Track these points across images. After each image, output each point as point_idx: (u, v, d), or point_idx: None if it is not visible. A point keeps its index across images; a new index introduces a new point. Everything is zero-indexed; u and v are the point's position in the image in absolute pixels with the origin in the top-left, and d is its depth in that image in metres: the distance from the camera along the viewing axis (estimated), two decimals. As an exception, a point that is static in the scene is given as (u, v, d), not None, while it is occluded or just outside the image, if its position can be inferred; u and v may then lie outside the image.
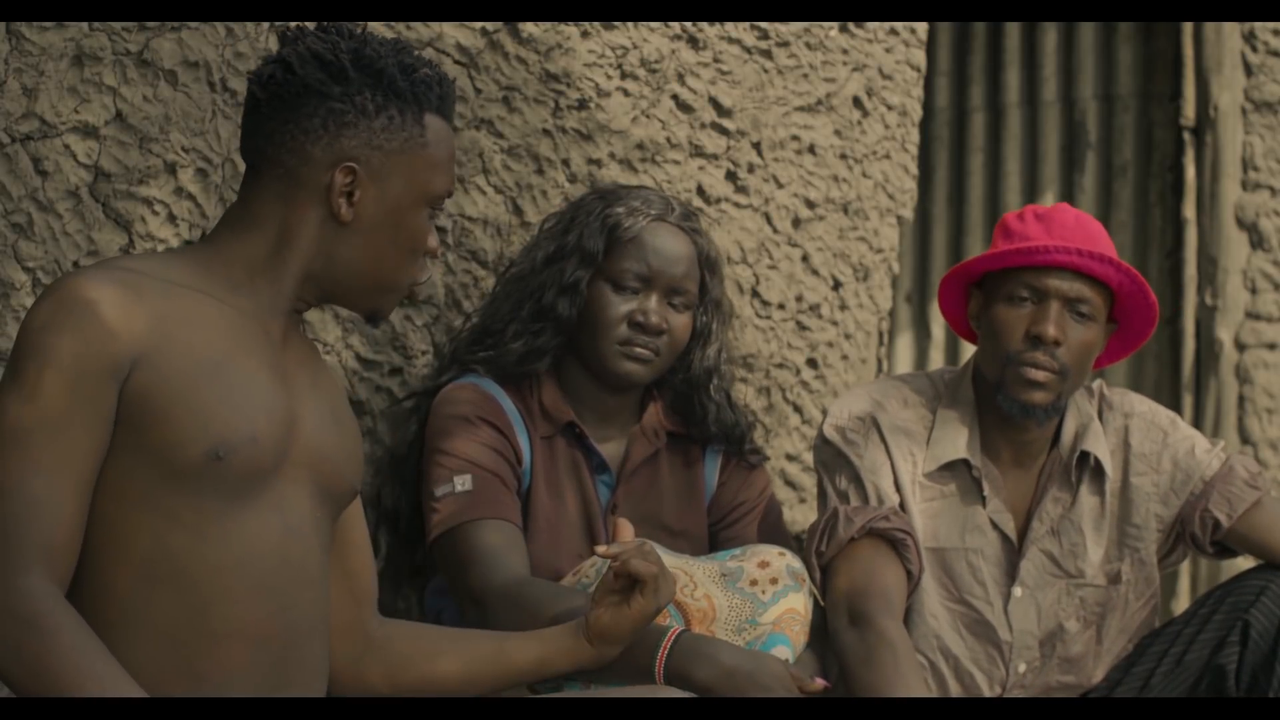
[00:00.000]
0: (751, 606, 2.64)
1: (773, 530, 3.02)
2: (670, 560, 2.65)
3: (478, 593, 2.66)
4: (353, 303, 2.23)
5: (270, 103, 2.15)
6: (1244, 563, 4.29)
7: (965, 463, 2.89)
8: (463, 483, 2.75)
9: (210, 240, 2.20)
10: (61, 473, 2.00)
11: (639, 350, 2.85)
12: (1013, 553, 2.90)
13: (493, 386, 2.87)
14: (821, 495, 2.93)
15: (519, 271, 2.95)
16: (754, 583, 2.67)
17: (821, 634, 2.78)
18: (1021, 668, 2.91)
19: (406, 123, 2.16)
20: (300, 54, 2.14)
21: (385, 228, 2.17)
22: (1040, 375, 2.79)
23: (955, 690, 2.91)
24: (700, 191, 3.53)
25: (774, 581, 2.68)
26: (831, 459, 2.91)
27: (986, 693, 2.92)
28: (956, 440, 2.88)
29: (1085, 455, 2.90)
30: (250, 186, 2.18)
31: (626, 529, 2.37)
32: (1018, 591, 2.89)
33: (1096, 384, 3.01)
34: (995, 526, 2.88)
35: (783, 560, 2.72)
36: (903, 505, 2.87)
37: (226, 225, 2.19)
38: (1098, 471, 2.91)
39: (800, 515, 3.68)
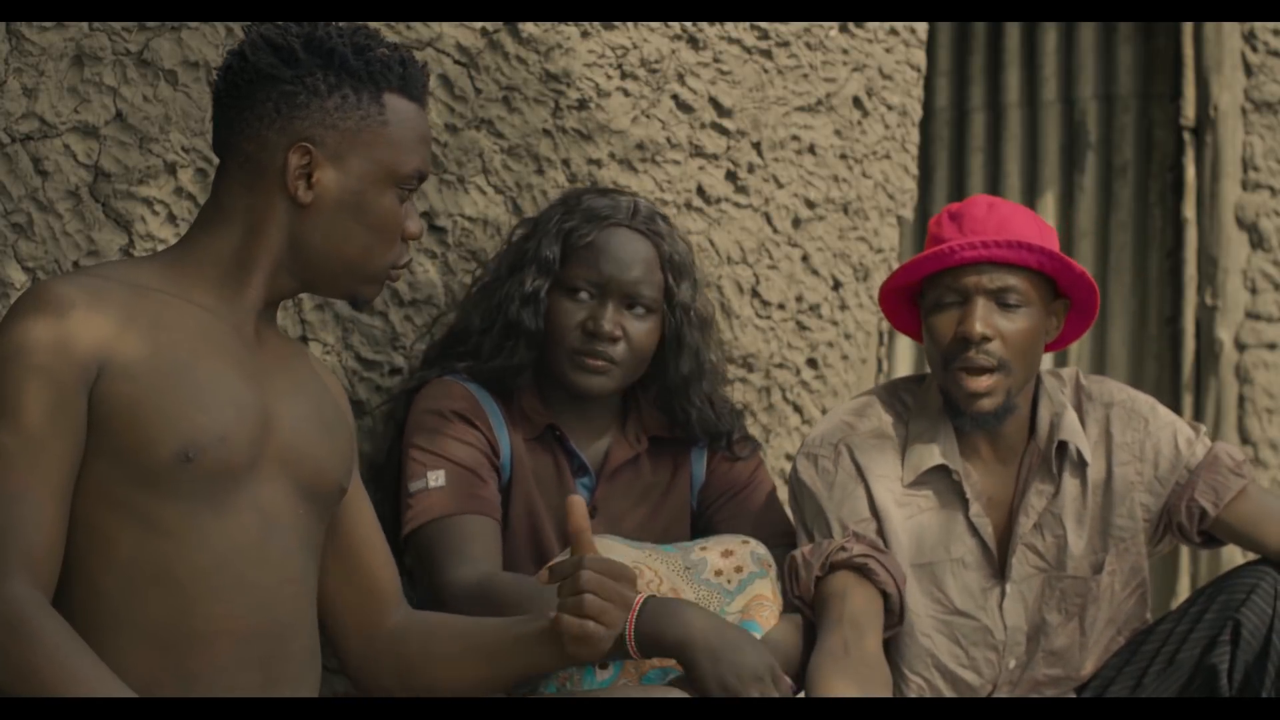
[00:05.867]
0: (719, 598, 2.63)
1: (768, 509, 2.99)
2: (632, 553, 2.64)
3: (441, 586, 2.64)
4: (328, 289, 2.23)
5: (229, 92, 2.18)
6: (1243, 559, 4.29)
7: (944, 468, 2.87)
8: (436, 478, 2.74)
9: (184, 240, 2.23)
10: (38, 481, 2.02)
11: (591, 362, 2.82)
12: (992, 555, 2.89)
13: (472, 384, 2.87)
14: (796, 533, 2.93)
15: (487, 279, 2.94)
16: (719, 573, 2.66)
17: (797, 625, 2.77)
18: (1011, 663, 2.90)
19: (363, 101, 2.16)
20: (253, 41, 2.17)
21: (349, 209, 2.17)
22: (978, 384, 2.77)
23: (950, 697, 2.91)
24: (700, 191, 3.53)
25: (739, 570, 2.67)
26: (800, 493, 2.88)
27: (980, 695, 2.92)
28: (933, 447, 2.86)
29: (1064, 445, 2.89)
30: (219, 180, 2.21)
31: (578, 508, 2.23)
32: (1009, 589, 2.89)
33: (1071, 372, 2.99)
34: (975, 533, 2.87)
35: (746, 548, 2.70)
36: (882, 525, 2.85)
37: (199, 223, 2.22)
38: (1077, 460, 2.90)
39: (800, 515, 3.68)
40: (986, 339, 2.75)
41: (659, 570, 2.64)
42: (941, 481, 2.87)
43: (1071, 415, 2.89)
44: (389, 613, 2.34)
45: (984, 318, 2.75)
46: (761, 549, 2.72)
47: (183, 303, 2.15)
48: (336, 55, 2.15)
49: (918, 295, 2.91)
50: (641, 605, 2.47)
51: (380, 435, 3.03)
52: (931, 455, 2.85)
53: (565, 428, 2.89)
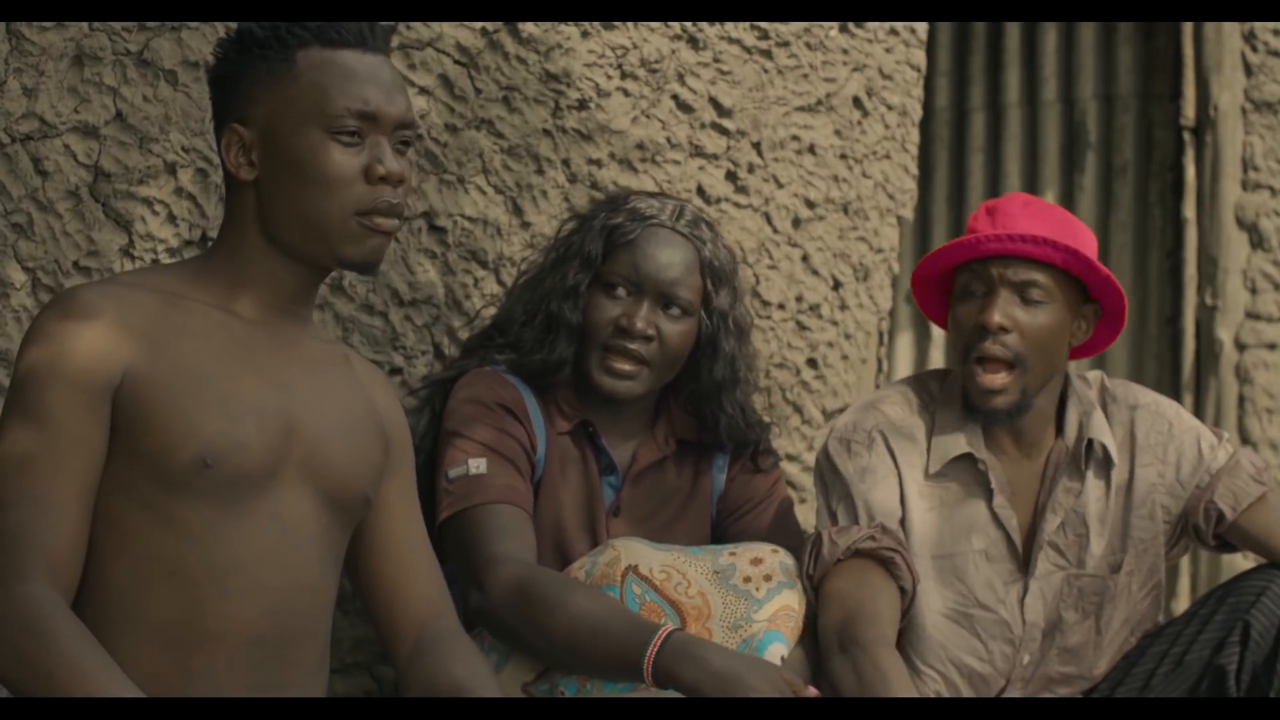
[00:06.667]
0: (746, 604, 2.64)
1: (783, 524, 3.00)
2: (660, 556, 2.65)
3: (482, 578, 2.65)
4: (316, 259, 2.20)
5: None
6: (1245, 562, 4.29)
7: (969, 457, 2.88)
8: (477, 466, 2.75)
9: (209, 248, 2.26)
10: (62, 484, 2.03)
11: (620, 365, 2.83)
12: (1016, 548, 2.89)
13: (513, 377, 2.87)
14: (819, 513, 2.93)
15: (533, 272, 2.96)
16: (747, 579, 2.67)
17: (816, 638, 2.77)
18: (1025, 659, 2.91)
19: (272, 65, 2.16)
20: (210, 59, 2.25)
21: (288, 170, 2.16)
22: (993, 380, 2.78)
23: (966, 694, 2.91)
24: (700, 191, 3.53)
25: (768, 578, 2.68)
26: (829, 474, 2.89)
27: (994, 688, 2.92)
28: (959, 436, 2.87)
29: (1092, 444, 2.89)
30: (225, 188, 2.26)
31: None
32: (1031, 585, 2.89)
33: (1096, 375, 3.00)
34: (999, 524, 2.87)
35: (776, 557, 2.72)
36: (905, 515, 2.85)
37: (219, 232, 2.25)
38: (1103, 460, 2.91)
39: (801, 515, 3.68)
40: (1004, 330, 2.77)
41: (688, 574, 2.64)
42: (966, 472, 2.88)
43: (1100, 415, 2.90)
44: (409, 632, 2.30)
45: (1004, 309, 2.77)
46: (790, 559, 2.74)
47: (210, 309, 2.16)
48: (242, 32, 2.18)
49: (951, 286, 2.92)
50: (663, 640, 2.48)
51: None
52: (958, 444, 2.86)
53: (599, 425, 2.90)
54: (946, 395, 2.92)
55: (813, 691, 2.53)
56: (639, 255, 2.85)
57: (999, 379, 2.78)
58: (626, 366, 2.84)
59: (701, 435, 2.99)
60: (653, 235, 2.87)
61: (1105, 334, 2.93)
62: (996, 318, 2.76)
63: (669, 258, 2.86)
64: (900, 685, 2.62)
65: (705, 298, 2.90)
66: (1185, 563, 4.87)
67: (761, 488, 3.01)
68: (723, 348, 2.93)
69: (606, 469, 2.91)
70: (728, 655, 2.50)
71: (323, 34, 2.17)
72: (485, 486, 2.73)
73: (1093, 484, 2.90)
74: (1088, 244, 2.84)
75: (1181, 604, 4.74)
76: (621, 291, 2.86)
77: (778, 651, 2.62)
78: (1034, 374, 2.80)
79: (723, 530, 3.01)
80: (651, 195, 2.95)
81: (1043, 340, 2.79)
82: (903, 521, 2.85)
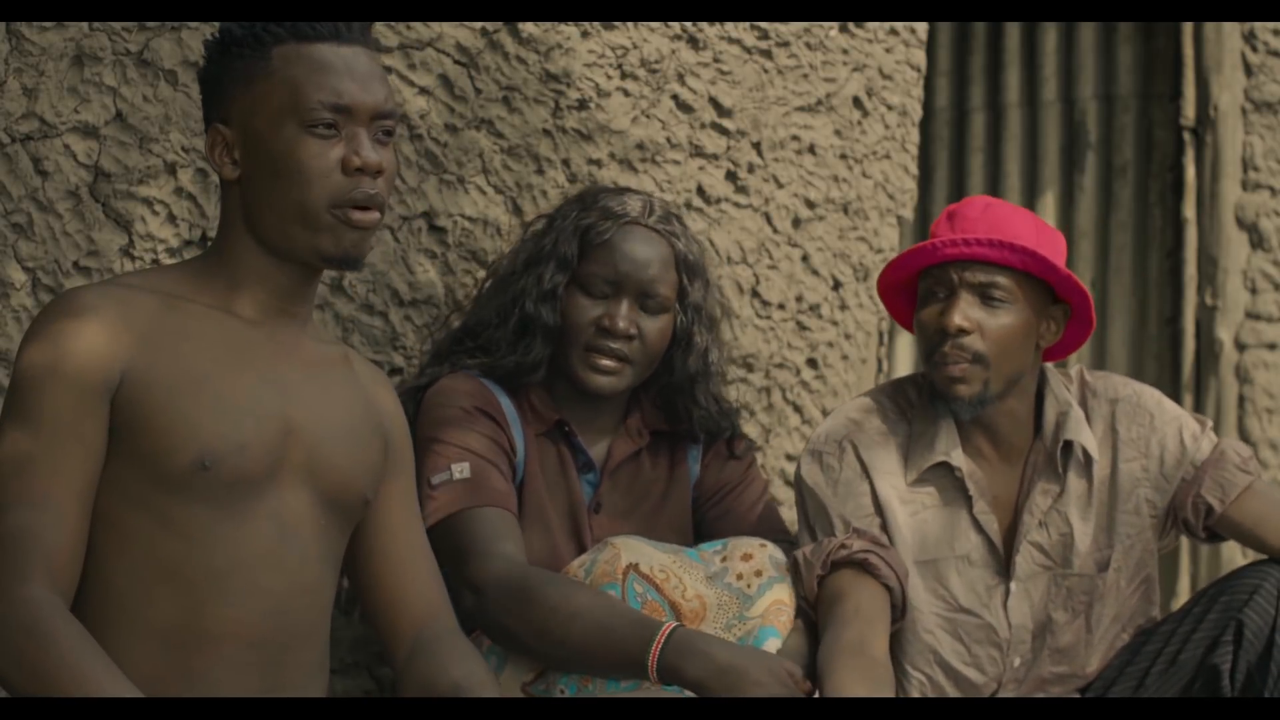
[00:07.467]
0: (739, 603, 2.65)
1: (762, 509, 3.02)
2: (661, 557, 2.66)
3: (476, 581, 2.64)
4: (301, 253, 2.19)
5: None
6: (1244, 559, 4.28)
7: (948, 465, 2.88)
8: (461, 470, 2.74)
9: (207, 249, 2.27)
10: (61, 486, 2.03)
11: (604, 362, 2.84)
12: (997, 551, 2.89)
13: (487, 380, 2.87)
14: (800, 529, 2.94)
15: (503, 274, 2.96)
16: (740, 576, 2.68)
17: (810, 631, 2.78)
18: (1016, 662, 2.91)
19: (249, 63, 2.17)
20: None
21: (266, 166, 2.16)
22: (954, 369, 2.79)
23: (953, 695, 2.91)
24: (700, 191, 3.53)
25: (758, 574, 2.69)
26: (805, 491, 2.90)
27: (984, 693, 2.92)
28: (935, 444, 2.87)
29: (1069, 444, 2.89)
30: None
31: None
32: (1014, 587, 2.89)
33: (1077, 370, 2.99)
34: (980, 530, 2.87)
35: (765, 551, 2.73)
36: (886, 521, 2.86)
37: (216, 233, 2.26)
38: (1083, 459, 2.90)
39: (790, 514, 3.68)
40: (964, 332, 2.78)
41: (684, 579, 2.65)
42: (945, 479, 2.88)
43: (1078, 413, 2.89)
44: (408, 632, 2.31)
45: (964, 311, 2.78)
46: (779, 553, 2.75)
47: (209, 310, 2.16)
48: (223, 34, 2.19)
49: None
50: (667, 636, 2.49)
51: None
52: (934, 452, 2.86)
53: (573, 424, 2.90)
54: (924, 401, 2.92)
55: (808, 686, 2.53)
56: (616, 255, 2.86)
57: (960, 368, 2.79)
58: (610, 363, 2.85)
59: (674, 425, 2.99)
60: (628, 234, 2.88)
61: (1078, 333, 2.93)
62: (956, 319, 2.77)
63: (646, 256, 2.87)
64: (853, 685, 2.59)
65: (681, 292, 2.92)
66: (1185, 562, 4.87)
67: (737, 472, 3.03)
68: (696, 340, 2.94)
69: (584, 467, 2.92)
70: (731, 649, 2.51)
71: (297, 30, 2.17)
72: (471, 490, 2.73)
73: (1074, 483, 2.89)
74: (1051, 245, 2.83)
75: (1181, 603, 4.74)
76: (600, 291, 2.86)
77: (772, 646, 2.63)
78: (996, 372, 2.81)
79: (702, 517, 3.02)
80: (619, 191, 2.96)
81: (1005, 340, 2.80)
82: (885, 527, 2.85)
